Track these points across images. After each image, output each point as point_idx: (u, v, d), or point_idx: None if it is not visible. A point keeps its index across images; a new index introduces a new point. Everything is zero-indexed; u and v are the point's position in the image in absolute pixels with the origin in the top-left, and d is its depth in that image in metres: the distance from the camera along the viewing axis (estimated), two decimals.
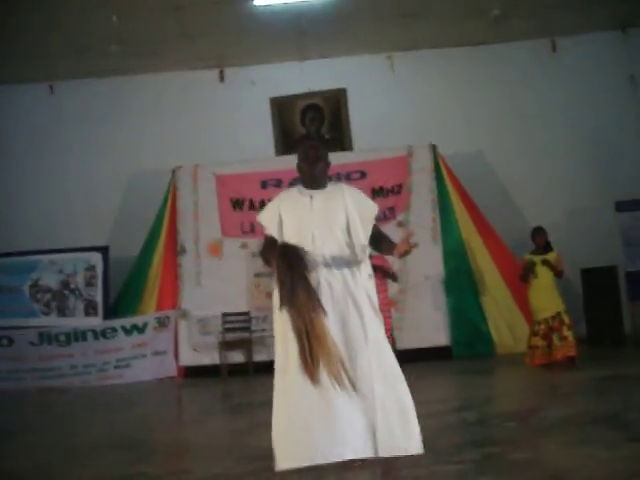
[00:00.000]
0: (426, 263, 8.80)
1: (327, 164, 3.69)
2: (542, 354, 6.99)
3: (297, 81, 10.46)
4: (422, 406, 3.81)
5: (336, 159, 9.24)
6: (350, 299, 3.45)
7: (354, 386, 3.30)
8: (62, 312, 9.28)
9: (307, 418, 3.29)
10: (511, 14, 9.49)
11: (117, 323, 9.13)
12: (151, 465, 4.02)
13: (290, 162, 9.88)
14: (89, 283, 9.32)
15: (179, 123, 10.29)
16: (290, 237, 3.51)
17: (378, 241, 3.65)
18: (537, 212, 9.57)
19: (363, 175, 9.25)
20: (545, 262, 7.04)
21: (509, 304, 8.84)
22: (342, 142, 10.37)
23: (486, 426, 4.30)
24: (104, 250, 9.42)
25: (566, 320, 6.96)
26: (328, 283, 3.45)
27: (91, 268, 9.34)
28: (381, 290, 7.07)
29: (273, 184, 9.28)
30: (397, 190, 9.22)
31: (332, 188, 3.68)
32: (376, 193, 9.16)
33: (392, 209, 9.16)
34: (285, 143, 10.34)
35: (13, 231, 9.92)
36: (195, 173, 9.46)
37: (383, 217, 9.08)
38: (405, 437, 3.35)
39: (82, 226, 9.96)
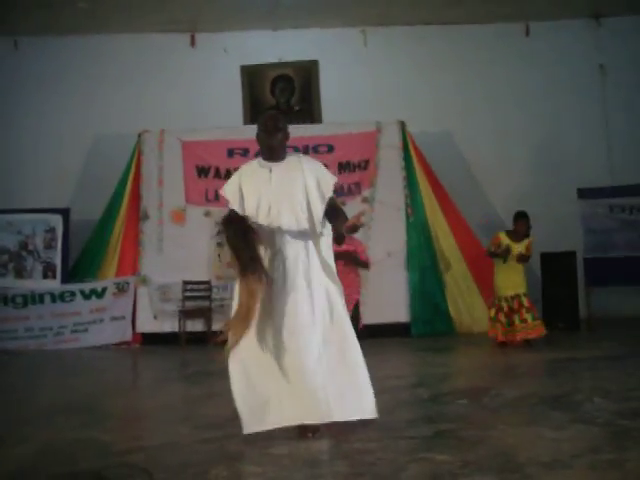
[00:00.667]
0: (389, 241, 8.85)
1: (286, 135, 3.66)
2: (504, 331, 7.13)
3: (269, 50, 10.35)
4: (378, 382, 3.84)
5: (305, 131, 9.41)
6: (302, 270, 3.51)
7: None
8: (19, 274, 9.12)
9: (263, 384, 3.43)
10: None
11: (76, 287, 9.01)
12: (104, 431, 3.99)
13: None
14: (48, 245, 9.16)
15: (148, 86, 10.11)
16: (250, 210, 3.56)
17: (332, 214, 3.65)
18: (501, 195, 9.69)
19: (331, 149, 9.22)
20: (520, 258, 7.14)
21: (469, 284, 8.97)
22: (311, 114, 10.31)
23: (439, 403, 4.36)
24: (65, 212, 9.25)
25: (525, 303, 7.11)
26: (283, 255, 3.51)
27: (51, 230, 9.17)
28: (352, 271, 7.05)
29: (240, 153, 9.21)
30: (364, 165, 9.22)
31: (290, 160, 3.66)
32: (343, 167, 9.15)
33: (358, 184, 9.16)
34: (254, 112, 10.22)
35: None
36: (161, 138, 9.32)
37: (348, 192, 9.09)
38: (357, 402, 3.45)
39: (43, 187, 9.79)
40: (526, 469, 2.84)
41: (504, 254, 7.14)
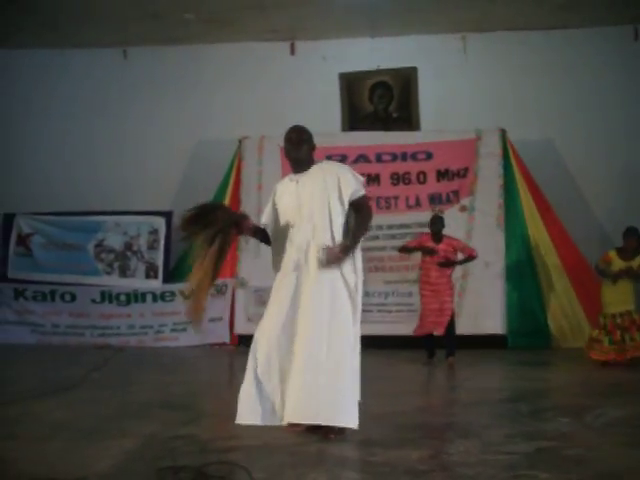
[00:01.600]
0: (488, 250, 8.66)
1: (311, 147, 3.81)
2: (602, 350, 6.85)
3: (367, 58, 10.33)
4: (475, 394, 3.79)
5: (403, 139, 9.35)
6: (318, 283, 3.67)
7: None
8: (124, 273, 9.50)
9: (266, 382, 3.70)
10: None
11: (176, 287, 9.29)
12: (201, 428, 4.10)
13: (356, 138, 9.94)
14: (151, 246, 9.50)
15: (248, 94, 10.30)
16: (280, 223, 3.87)
17: (356, 213, 3.76)
18: (607, 208, 9.30)
19: (429, 156, 9.13)
20: (629, 273, 6.86)
21: (570, 298, 8.65)
22: (410, 121, 10.23)
23: (539, 419, 4.24)
24: (168, 215, 9.56)
25: (638, 320, 6.80)
26: (304, 268, 3.73)
27: (154, 232, 9.51)
28: (444, 276, 7.05)
29: (338, 159, 9.17)
30: (463, 174, 9.07)
31: (314, 170, 3.77)
32: (441, 175, 9.05)
33: (456, 193, 9.02)
34: (352, 119, 10.26)
35: (83, 191, 10.13)
36: (261, 144, 9.49)
37: (447, 200, 8.98)
38: (337, 409, 3.56)
39: (149, 190, 10.12)
40: None
41: (613, 278, 6.85)
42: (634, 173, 9.59)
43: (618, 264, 6.91)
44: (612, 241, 8.41)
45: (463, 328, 8.29)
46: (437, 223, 7.30)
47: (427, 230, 7.49)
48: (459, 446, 3.44)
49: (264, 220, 3.92)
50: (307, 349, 3.58)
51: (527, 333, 8.53)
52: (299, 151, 3.76)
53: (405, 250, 7.62)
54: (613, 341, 6.81)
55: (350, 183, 3.70)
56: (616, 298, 6.87)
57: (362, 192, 3.73)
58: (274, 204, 3.87)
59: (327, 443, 3.57)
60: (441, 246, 7.10)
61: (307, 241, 3.70)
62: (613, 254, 7.02)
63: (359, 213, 3.73)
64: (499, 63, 10.13)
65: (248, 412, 3.69)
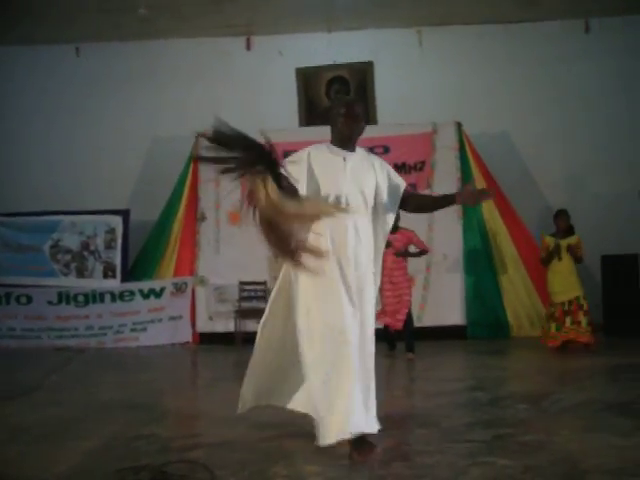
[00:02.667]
0: (446, 242, 8.77)
1: (364, 126, 3.48)
2: (552, 336, 7.03)
3: (324, 52, 10.34)
4: (436, 384, 3.82)
5: None
6: (366, 268, 3.37)
7: None
8: (81, 273, 9.36)
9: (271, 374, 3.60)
10: None
11: (135, 287, 9.20)
12: (164, 428, 4.06)
13: (314, 134, 9.88)
14: (108, 246, 9.38)
15: (204, 89, 10.23)
16: (321, 196, 3.33)
17: (417, 199, 3.61)
18: (559, 196, 9.45)
19: (387, 150, 9.17)
20: (570, 248, 7.02)
21: (527, 286, 8.80)
22: (367, 115, 10.26)
23: (498, 407, 4.30)
24: (124, 213, 9.45)
25: (584, 306, 6.96)
26: (355, 249, 3.33)
27: (111, 231, 9.38)
28: (400, 268, 7.13)
29: None
30: (420, 167, 9.15)
31: (362, 153, 3.49)
32: (398, 169, 9.08)
33: (414, 186, 9.07)
34: (309, 115, 10.27)
35: (37, 191, 9.96)
36: None
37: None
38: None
39: (105, 189, 9.99)
40: (590, 476, 2.78)
41: (556, 252, 7.02)
42: (587, 163, 9.78)
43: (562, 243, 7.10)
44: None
45: (426, 320, 8.48)
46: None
47: None
48: (419, 436, 3.47)
49: (296, 175, 3.25)
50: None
51: (486, 323, 8.66)
52: (358, 127, 3.39)
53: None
54: (561, 328, 6.97)
55: (401, 188, 3.51)
56: (562, 287, 7.04)
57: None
58: (310, 168, 3.34)
59: (288, 438, 3.58)
60: (396, 236, 7.13)
61: (347, 229, 3.31)
62: (549, 238, 7.23)
63: (424, 196, 3.59)
64: (455, 57, 10.23)
65: (250, 398, 3.71)
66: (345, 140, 3.42)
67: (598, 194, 9.63)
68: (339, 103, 3.47)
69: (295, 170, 3.27)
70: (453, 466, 2.97)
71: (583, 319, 6.97)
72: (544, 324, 7.31)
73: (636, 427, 3.60)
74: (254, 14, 9.84)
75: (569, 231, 7.20)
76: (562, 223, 7.19)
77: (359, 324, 3.26)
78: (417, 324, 7.72)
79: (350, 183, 3.36)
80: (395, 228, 7.24)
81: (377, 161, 3.52)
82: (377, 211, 3.47)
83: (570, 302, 7.01)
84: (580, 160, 9.80)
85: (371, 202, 3.42)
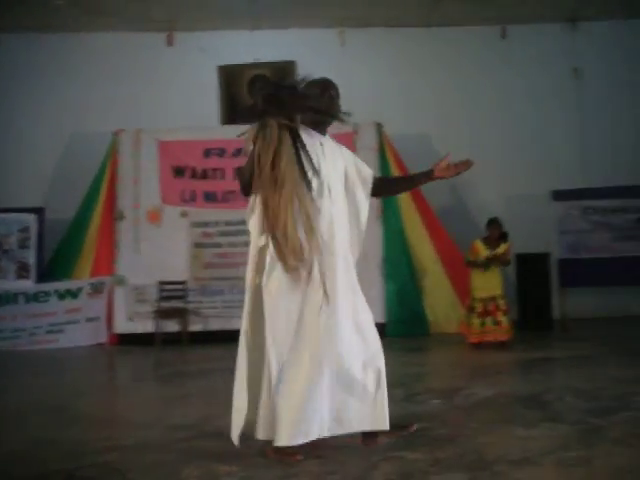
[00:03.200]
0: (368, 242, 8.85)
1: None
2: (476, 332, 7.21)
3: (246, 50, 10.30)
4: None
5: None
6: (346, 279, 3.26)
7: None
8: None
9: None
10: None
11: (50, 287, 8.92)
12: (77, 431, 3.97)
13: (235, 131, 9.83)
14: (22, 245, 9.06)
15: (124, 85, 10.02)
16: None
17: (388, 184, 3.56)
18: (476, 197, 9.74)
19: None
20: (497, 258, 7.23)
21: (446, 286, 9.01)
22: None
23: (413, 403, 4.39)
24: (39, 211, 9.15)
25: (502, 305, 7.19)
26: (334, 245, 3.17)
27: (25, 229, 9.07)
28: None
29: (216, 153, 9.20)
30: None
31: (331, 139, 3.35)
32: None
33: None
34: (231, 113, 10.22)
35: None
36: (137, 138, 9.26)
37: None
38: None
39: (20, 186, 9.69)
40: (495, 467, 2.87)
41: (483, 266, 7.22)
42: (502, 164, 10.10)
43: (484, 253, 7.29)
44: (482, 230, 8.80)
45: None
46: None
47: None
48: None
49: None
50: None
51: (405, 321, 8.81)
52: (339, 110, 3.23)
53: None
54: (483, 323, 7.19)
55: (370, 176, 3.41)
56: (484, 283, 7.26)
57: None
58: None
59: (203, 438, 3.56)
60: None
61: (330, 219, 3.15)
62: (479, 244, 7.39)
63: (391, 179, 3.50)
64: (377, 58, 10.38)
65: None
66: (322, 123, 3.28)
67: (512, 194, 9.97)
68: (319, 83, 3.32)
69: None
70: (364, 461, 3.01)
71: (503, 318, 7.19)
72: (465, 318, 7.48)
73: (540, 418, 3.75)
74: (176, 10, 9.72)
75: (500, 238, 7.39)
76: (494, 232, 7.36)
77: (327, 317, 3.07)
78: None
79: (330, 169, 3.21)
80: None
81: (343, 148, 3.39)
82: (348, 201, 3.33)
83: (490, 300, 7.22)
84: (496, 161, 10.09)
85: (342, 190, 3.29)
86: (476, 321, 7.23)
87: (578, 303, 8.93)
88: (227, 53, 10.32)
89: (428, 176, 3.46)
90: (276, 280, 3.07)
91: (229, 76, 10.36)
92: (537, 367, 5.92)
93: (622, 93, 10.40)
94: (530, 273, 8.92)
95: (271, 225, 3.00)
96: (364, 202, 3.40)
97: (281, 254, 3.00)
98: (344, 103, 9.84)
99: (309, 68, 10.75)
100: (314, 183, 3.09)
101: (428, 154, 9.95)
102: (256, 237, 3.15)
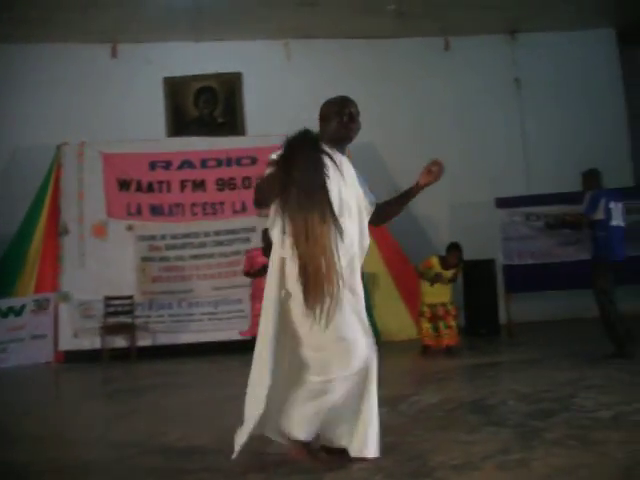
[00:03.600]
0: None
1: (360, 127, 3.30)
2: (430, 336, 7.31)
3: (192, 62, 10.28)
4: None
5: (228, 143, 9.34)
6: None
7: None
8: None
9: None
10: (406, 11, 9.71)
11: None
12: (19, 452, 3.87)
13: (181, 144, 9.81)
14: None
15: (68, 98, 9.87)
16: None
17: (384, 209, 3.40)
18: (423, 205, 9.81)
19: (254, 161, 9.22)
20: (444, 280, 7.36)
21: (394, 295, 9.09)
22: (235, 127, 10.29)
23: None
24: None
25: (452, 311, 7.31)
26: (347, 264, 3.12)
27: None
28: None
29: (162, 166, 9.13)
30: None
31: (347, 159, 3.27)
32: None
33: None
34: (177, 125, 10.16)
35: None
36: (81, 151, 9.11)
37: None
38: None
39: None
40: (437, 472, 2.92)
41: (433, 281, 7.33)
42: (448, 173, 10.21)
43: (437, 269, 7.41)
44: (429, 238, 8.98)
45: None
46: (267, 236, 7.29)
47: (256, 236, 7.49)
48: (277, 446, 3.50)
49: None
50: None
51: None
52: (356, 129, 3.19)
53: (252, 275, 7.50)
54: (436, 327, 7.29)
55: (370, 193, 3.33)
56: (433, 290, 7.39)
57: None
58: None
59: (146, 455, 3.51)
60: (258, 253, 7.17)
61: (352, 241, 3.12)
62: (435, 261, 7.47)
63: (386, 203, 3.35)
64: (322, 70, 10.44)
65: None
66: (342, 141, 3.24)
67: (458, 203, 10.14)
68: (337, 102, 3.27)
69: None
70: (308, 472, 3.02)
71: (453, 323, 7.31)
72: (420, 323, 7.56)
73: (484, 423, 3.81)
74: (120, 21, 9.62)
75: (457, 264, 7.49)
76: (453, 258, 7.43)
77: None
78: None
79: (348, 188, 3.17)
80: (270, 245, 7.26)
81: (355, 171, 3.33)
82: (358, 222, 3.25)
83: (441, 306, 7.33)
84: (445, 171, 10.23)
85: (360, 219, 3.24)
86: (427, 325, 7.33)
87: (524, 308, 9.09)
88: (172, 65, 10.27)
89: (413, 192, 3.45)
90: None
91: (175, 88, 10.30)
92: (483, 372, 6.01)
93: (560, 102, 10.70)
94: (476, 280, 9.07)
95: (304, 263, 2.93)
96: (366, 227, 3.32)
97: (308, 292, 2.94)
98: (288, 113, 9.93)
99: (255, 79, 10.89)
100: (335, 203, 3.03)
101: (373, 164, 10.08)
102: (279, 247, 3.08)
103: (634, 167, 10.90)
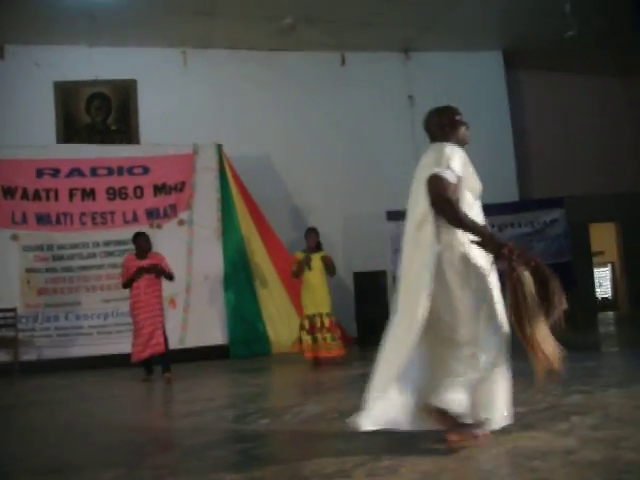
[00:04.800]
0: (207, 263, 8.89)
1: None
2: (309, 348, 7.38)
3: (85, 67, 10.05)
4: (184, 406, 3.83)
5: (120, 152, 9.19)
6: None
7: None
8: None
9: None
10: (303, 25, 9.86)
11: None
12: None
13: (70, 151, 9.55)
14: None
15: None
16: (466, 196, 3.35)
17: None
18: (316, 216, 10.02)
19: (146, 170, 9.09)
20: (323, 258, 7.45)
21: (285, 305, 9.18)
22: (129, 135, 10.11)
23: (242, 423, 4.41)
24: None
25: (326, 323, 7.42)
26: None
27: None
28: (155, 290, 7.08)
29: (50, 173, 8.85)
30: (180, 188, 9.19)
31: None
32: (158, 190, 9.08)
33: (174, 207, 9.10)
34: (68, 131, 9.89)
35: None
36: None
37: (164, 214, 9.02)
38: None
39: None
40: None
41: (306, 262, 7.41)
42: (345, 187, 10.46)
43: (301, 258, 7.54)
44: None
45: (190, 341, 8.50)
46: (138, 240, 7.21)
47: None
48: (158, 459, 3.46)
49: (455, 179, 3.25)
50: None
51: (247, 341, 8.89)
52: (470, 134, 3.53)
53: (130, 282, 7.32)
54: (315, 339, 7.39)
55: None
56: (311, 301, 7.48)
57: None
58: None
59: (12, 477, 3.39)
60: (146, 262, 7.08)
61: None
62: (299, 253, 7.66)
63: None
64: (219, 80, 10.45)
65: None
66: (465, 144, 3.52)
67: (351, 214, 10.36)
68: (456, 110, 3.53)
69: (460, 165, 3.31)
70: None
71: (327, 335, 7.40)
72: (299, 335, 7.64)
73: (360, 432, 3.88)
74: (8, 21, 9.27)
75: (318, 247, 7.63)
76: (311, 240, 7.63)
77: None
78: (179, 346, 7.77)
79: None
80: (144, 254, 7.17)
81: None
82: None
83: (317, 316, 7.42)
84: (335, 183, 10.44)
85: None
86: (306, 337, 7.41)
87: None
88: (64, 69, 10.00)
89: (494, 245, 3.39)
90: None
91: (66, 93, 10.01)
92: (366, 382, 6.13)
93: None
94: (367, 291, 9.27)
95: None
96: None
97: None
98: (184, 122, 9.85)
99: (151, 87, 10.77)
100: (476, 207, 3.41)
101: (268, 175, 10.18)
102: (433, 242, 3.20)
103: (519, 182, 11.47)
